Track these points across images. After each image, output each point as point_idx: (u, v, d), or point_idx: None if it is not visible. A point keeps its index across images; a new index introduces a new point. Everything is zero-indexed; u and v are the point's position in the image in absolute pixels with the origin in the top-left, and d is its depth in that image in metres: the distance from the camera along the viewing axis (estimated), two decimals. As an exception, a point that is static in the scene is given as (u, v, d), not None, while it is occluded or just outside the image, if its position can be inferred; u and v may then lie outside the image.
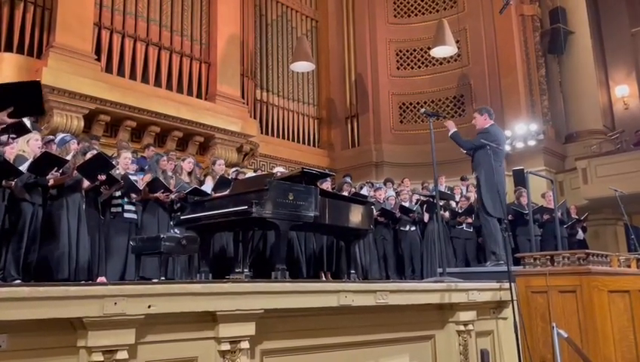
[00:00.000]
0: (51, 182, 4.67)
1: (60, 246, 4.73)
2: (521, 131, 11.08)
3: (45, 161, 4.48)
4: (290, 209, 4.48)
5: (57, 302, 2.16)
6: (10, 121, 2.93)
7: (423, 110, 4.85)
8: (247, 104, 10.77)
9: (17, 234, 4.41)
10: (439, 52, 11.24)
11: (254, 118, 11.06)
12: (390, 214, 7.40)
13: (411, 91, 12.67)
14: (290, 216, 4.48)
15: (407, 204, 7.67)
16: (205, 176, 7.19)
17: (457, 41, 11.58)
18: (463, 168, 7.66)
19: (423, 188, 8.85)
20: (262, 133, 11.32)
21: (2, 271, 4.35)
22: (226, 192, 5.48)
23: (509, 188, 8.15)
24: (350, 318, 3.24)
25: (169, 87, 9.29)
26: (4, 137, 3.56)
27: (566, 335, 3.57)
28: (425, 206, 7.67)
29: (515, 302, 3.75)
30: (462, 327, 3.92)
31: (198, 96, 9.75)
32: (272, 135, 11.79)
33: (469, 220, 7.81)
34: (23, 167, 4.33)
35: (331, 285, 3.22)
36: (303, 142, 12.49)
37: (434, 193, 7.42)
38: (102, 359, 2.26)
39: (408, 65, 12.90)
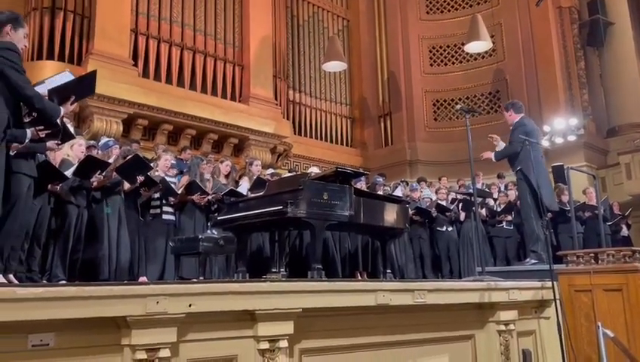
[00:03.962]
0: (95, 184, 4.82)
1: (101, 247, 4.87)
2: (561, 126, 10.77)
3: (89, 165, 4.63)
4: (324, 208, 4.47)
5: (102, 302, 2.23)
6: (73, 107, 3.18)
7: (458, 107, 4.77)
8: (280, 105, 10.84)
9: (63, 236, 4.56)
10: (473, 47, 11.05)
11: (287, 118, 11.12)
12: (426, 213, 7.32)
13: (445, 88, 12.50)
14: (324, 216, 4.48)
15: (444, 203, 7.58)
16: (240, 177, 7.27)
17: (492, 36, 11.35)
18: (500, 165, 7.49)
19: (459, 187, 8.72)
20: (295, 133, 11.37)
21: (49, 271, 4.50)
22: (262, 193, 5.53)
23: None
24: (388, 317, 3.22)
25: (204, 90, 9.44)
26: (52, 143, 3.69)
27: (612, 335, 3.45)
28: (461, 204, 7.55)
29: (557, 301, 3.65)
30: (503, 327, 3.84)
31: (232, 98, 9.87)
32: (305, 135, 11.83)
33: (509, 218, 7.65)
34: (69, 172, 4.47)
35: (368, 284, 3.21)
36: (336, 142, 12.48)
37: (470, 191, 7.31)
38: (145, 357, 2.31)
39: (442, 61, 12.73)
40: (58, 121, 3.17)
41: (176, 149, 8.34)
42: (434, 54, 12.79)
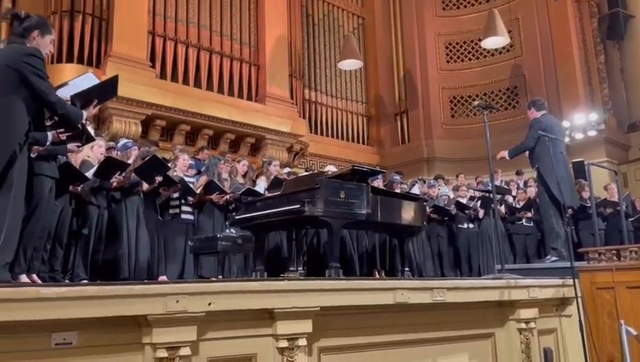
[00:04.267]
0: (114, 185, 4.88)
1: (121, 246, 4.93)
2: (581, 121, 10.61)
3: (108, 166, 4.70)
4: (341, 207, 4.47)
5: (123, 301, 2.26)
6: (95, 111, 3.24)
7: (476, 103, 4.73)
8: (296, 104, 10.85)
9: (84, 236, 4.64)
10: (490, 43, 10.93)
11: (303, 117, 11.13)
12: (444, 211, 7.27)
13: (462, 85, 12.39)
14: (342, 214, 4.47)
15: (464, 201, 7.52)
16: (257, 176, 7.31)
17: (509, 31, 11.21)
18: (519, 162, 7.41)
19: (477, 184, 8.65)
20: (311, 132, 11.38)
21: (71, 271, 4.57)
22: (279, 192, 5.55)
23: (569, 181, 7.84)
24: (407, 316, 3.21)
25: (220, 90, 9.49)
26: (73, 145, 3.75)
27: (635, 333, 3.40)
28: (480, 201, 7.48)
29: (579, 299, 3.60)
30: (523, 325, 3.80)
31: (249, 98, 9.91)
32: (322, 134, 11.83)
33: (529, 215, 7.57)
34: (89, 173, 4.54)
35: (387, 282, 3.20)
36: (353, 140, 12.46)
37: (489, 188, 7.24)
38: (166, 355, 2.34)
39: (458, 58, 12.62)
40: (80, 124, 3.21)
41: (194, 149, 8.40)
42: (450, 51, 12.68)
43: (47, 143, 3.29)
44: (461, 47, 12.62)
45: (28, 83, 2.84)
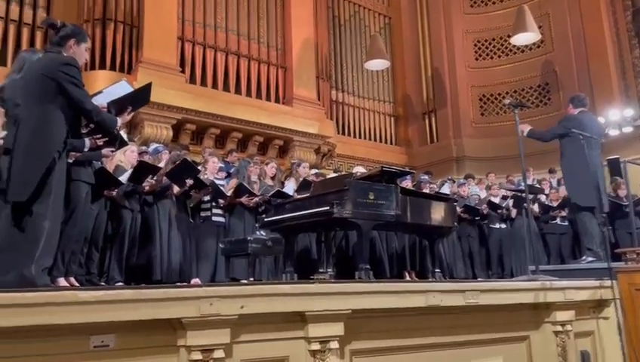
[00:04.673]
0: (147, 188, 4.98)
1: (154, 249, 5.03)
2: (615, 117, 10.32)
3: (141, 170, 4.80)
4: (371, 208, 4.46)
5: (158, 304, 2.29)
6: (129, 118, 3.34)
7: (507, 101, 4.65)
8: (324, 105, 10.86)
9: (119, 239, 4.75)
10: (520, 40, 10.73)
11: (331, 118, 11.14)
12: (474, 211, 7.18)
13: (492, 82, 12.20)
14: (371, 216, 4.47)
15: (496, 200, 7.40)
16: (286, 178, 7.35)
17: (540, 27, 10.98)
18: (551, 160, 7.26)
19: (507, 182, 8.51)
20: (339, 133, 11.38)
21: (106, 274, 4.69)
22: (308, 194, 5.57)
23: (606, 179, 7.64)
24: (439, 318, 3.18)
25: (248, 93, 9.57)
26: (107, 151, 3.85)
27: (678, 337, 3.29)
28: (512, 201, 7.36)
29: (617, 301, 3.50)
30: (559, 328, 3.71)
31: (276, 100, 9.97)
32: (349, 135, 11.82)
33: (563, 213, 7.40)
34: (123, 177, 4.65)
35: (419, 285, 3.17)
36: (380, 141, 12.41)
37: (521, 187, 7.12)
38: (200, 357, 2.37)
39: (487, 55, 12.43)
40: (115, 130, 3.28)
41: (223, 152, 8.51)
42: (479, 48, 12.50)
43: (85, 149, 3.38)
44: (490, 44, 12.43)
45: (65, 91, 2.91)
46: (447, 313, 3.20)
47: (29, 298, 2.10)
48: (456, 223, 5.57)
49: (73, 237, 3.74)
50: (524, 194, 6.85)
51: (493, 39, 12.38)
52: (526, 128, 5.32)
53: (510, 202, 7.40)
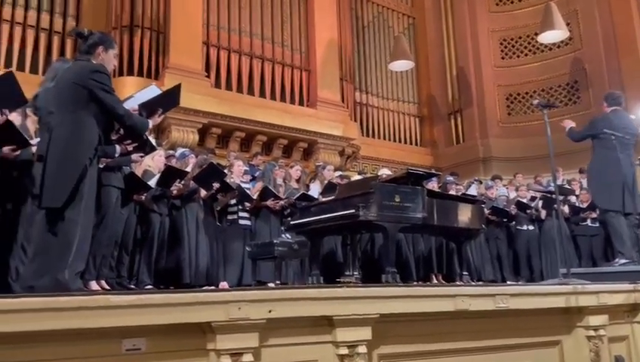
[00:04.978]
0: (175, 193, 5.05)
1: (182, 252, 5.10)
2: (648, 115, 10.04)
3: (169, 175, 4.87)
4: (397, 211, 4.45)
5: (187, 308, 2.32)
6: (160, 120, 3.41)
7: (536, 102, 4.57)
8: (347, 107, 10.85)
9: (148, 243, 4.83)
10: (548, 37, 10.54)
11: (355, 120, 11.12)
12: (502, 212, 7.07)
13: (519, 81, 12.00)
14: (397, 219, 4.45)
15: (525, 201, 7.28)
16: (310, 180, 7.37)
17: (568, 24, 10.76)
18: (581, 159, 7.11)
19: (535, 183, 8.36)
20: (363, 135, 11.35)
21: (136, 277, 4.77)
22: (333, 197, 5.57)
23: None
24: (468, 323, 3.13)
25: (273, 96, 9.63)
26: (137, 156, 3.92)
27: None
28: (541, 202, 7.22)
29: (653, 306, 3.41)
30: (592, 332, 3.62)
31: (300, 103, 10.00)
32: (373, 136, 11.77)
33: (593, 215, 7.23)
34: (152, 182, 4.72)
35: (447, 289, 3.14)
36: (405, 142, 12.32)
37: (550, 188, 6.98)
38: (230, 361, 2.39)
39: (514, 54, 12.24)
40: (146, 133, 3.33)
41: (248, 156, 8.58)
42: (505, 47, 12.32)
43: (116, 155, 3.45)
44: (516, 42, 12.23)
45: (96, 98, 2.97)
46: (477, 317, 3.16)
47: (63, 302, 2.15)
48: (483, 225, 5.51)
49: (104, 241, 3.82)
50: (553, 195, 6.73)
51: (520, 37, 12.19)
52: (569, 124, 5.25)
53: (539, 203, 7.26)
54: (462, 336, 3.13)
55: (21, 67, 7.68)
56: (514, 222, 7.25)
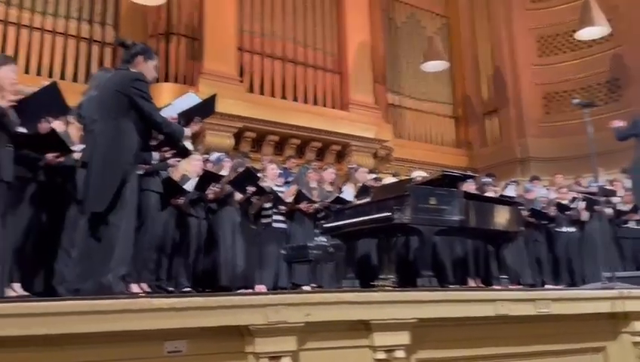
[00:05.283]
0: (211, 196, 5.14)
1: (219, 255, 5.17)
2: (695, 112, 9.63)
3: (206, 179, 4.95)
4: (432, 214, 4.40)
5: (227, 311, 2.35)
6: (196, 128, 3.45)
7: (576, 101, 4.46)
8: (380, 109, 10.78)
9: (186, 247, 4.92)
10: (587, 34, 10.24)
11: (388, 122, 11.05)
12: (542, 214, 6.89)
13: (557, 80, 11.69)
14: (433, 221, 4.40)
15: (565, 202, 7.08)
16: (343, 183, 7.36)
17: (608, 20, 10.43)
18: (622, 159, 6.87)
19: (576, 184, 8.12)
20: (396, 137, 11.26)
21: (174, 280, 4.86)
22: (367, 199, 5.56)
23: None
24: (508, 328, 3.07)
25: (305, 100, 9.67)
26: (174, 161, 4.00)
27: None
28: (582, 203, 7.01)
29: None
30: (638, 338, 3.50)
31: (333, 106, 10.01)
32: (407, 138, 11.67)
33: (637, 217, 6.98)
34: (189, 186, 4.81)
35: (487, 293, 3.09)
36: (439, 143, 12.17)
37: (591, 188, 6.78)
38: (268, 364, 2.41)
39: (552, 51, 11.93)
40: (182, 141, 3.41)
41: (282, 159, 8.64)
42: (542, 44, 12.02)
43: (154, 162, 3.53)
44: (554, 40, 11.92)
45: (136, 106, 3.05)
46: (517, 322, 3.09)
47: (108, 305, 2.21)
48: (522, 227, 5.39)
49: (144, 244, 3.91)
50: (595, 197, 6.54)
51: (558, 35, 11.88)
52: (618, 124, 5.13)
53: (580, 204, 7.05)
54: (502, 342, 3.08)
55: (63, 76, 7.94)
56: (553, 224, 7.06)
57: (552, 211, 6.96)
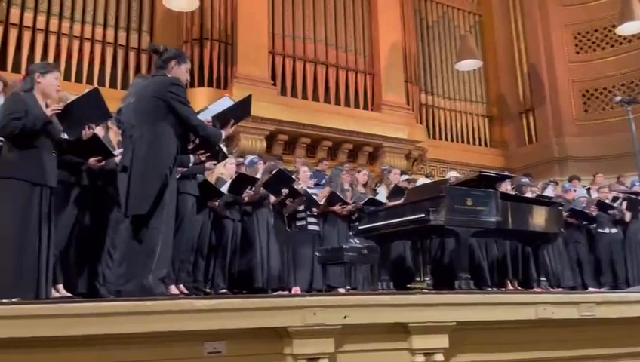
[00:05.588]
0: (246, 199, 5.19)
1: (254, 257, 5.22)
2: None
3: (240, 181, 5.01)
4: (469, 215, 4.34)
5: (265, 313, 2.37)
6: (232, 130, 3.49)
7: (618, 99, 4.33)
8: (413, 110, 10.70)
9: (222, 248, 4.98)
10: (627, 29, 9.89)
11: (421, 123, 10.96)
12: (582, 214, 6.70)
13: (595, 76, 11.35)
14: (469, 223, 4.34)
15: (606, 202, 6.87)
16: (376, 184, 7.33)
17: (650, 13, 10.07)
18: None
19: (617, 183, 7.87)
20: (429, 137, 11.14)
21: (211, 281, 4.92)
22: (400, 201, 5.52)
23: None
24: (550, 332, 3.00)
25: (337, 102, 9.67)
26: (210, 164, 4.06)
27: None
28: (625, 203, 6.78)
29: None
30: (687, 344, 3.36)
31: (365, 107, 9.98)
32: (440, 138, 11.53)
33: (682, 217, 6.72)
34: (224, 188, 4.87)
35: (528, 296, 3.02)
36: (474, 143, 11.98)
37: (635, 188, 6.57)
38: (307, 366, 2.41)
39: (590, 47, 11.60)
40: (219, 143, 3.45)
41: (314, 161, 8.66)
42: (580, 41, 11.70)
43: (190, 164, 3.59)
44: (592, 35, 11.58)
45: (173, 110, 3.11)
46: (559, 326, 3.02)
47: (150, 306, 2.26)
48: (562, 228, 5.26)
49: (182, 246, 3.98)
50: (638, 196, 6.33)
51: (596, 30, 11.54)
52: None
53: (623, 204, 6.82)
54: (544, 346, 3.00)
55: (101, 83, 8.15)
56: (595, 225, 6.85)
57: (593, 211, 6.75)
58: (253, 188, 5.25)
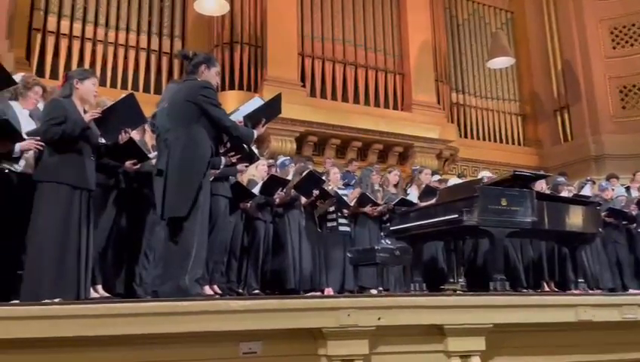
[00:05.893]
0: (277, 200, 5.22)
1: (286, 258, 5.24)
2: None
3: (272, 183, 5.04)
4: (504, 215, 4.27)
5: (300, 314, 2.38)
6: (264, 130, 3.52)
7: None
8: (444, 109, 10.58)
9: (254, 249, 5.03)
10: (667, 21, 9.58)
11: (452, 122, 10.81)
12: (622, 214, 6.50)
13: (633, 72, 10.97)
14: (504, 223, 4.27)
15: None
16: (407, 185, 7.26)
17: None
18: None
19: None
20: (461, 136, 10.99)
21: (244, 282, 4.97)
22: (433, 201, 5.46)
23: None
24: (590, 335, 2.93)
25: (367, 102, 9.64)
26: (242, 166, 4.10)
27: None
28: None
29: None
30: None
31: (395, 107, 9.92)
32: (472, 138, 11.36)
33: None
34: (255, 190, 4.92)
35: (567, 298, 2.95)
36: (507, 142, 11.76)
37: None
38: (341, 367, 2.41)
39: (627, 42, 11.23)
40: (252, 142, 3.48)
41: (344, 162, 8.64)
42: (616, 36, 11.35)
43: (222, 166, 3.63)
44: (629, 30, 11.22)
45: (206, 113, 3.17)
46: (600, 329, 2.94)
47: (186, 306, 2.29)
48: (600, 228, 5.12)
49: (215, 248, 4.03)
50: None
51: (633, 25, 11.17)
52: None
53: (664, 203, 6.60)
54: (584, 349, 2.93)
55: (135, 87, 8.34)
56: (635, 225, 6.63)
57: (633, 210, 6.54)
58: (285, 190, 5.28)
